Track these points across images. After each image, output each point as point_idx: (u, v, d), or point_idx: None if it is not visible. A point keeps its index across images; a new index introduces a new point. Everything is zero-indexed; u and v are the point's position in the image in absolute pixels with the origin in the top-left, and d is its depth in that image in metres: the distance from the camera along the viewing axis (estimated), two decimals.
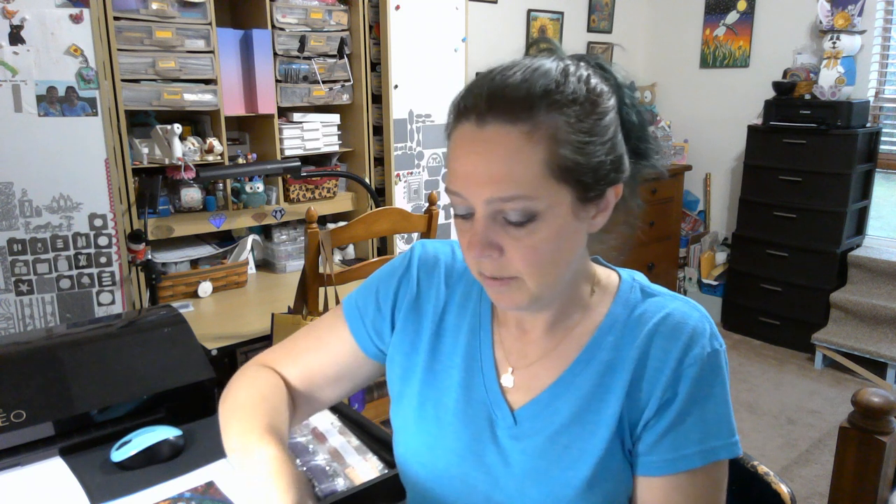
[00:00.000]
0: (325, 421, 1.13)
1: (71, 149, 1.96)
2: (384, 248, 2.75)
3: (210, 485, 0.94)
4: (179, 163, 2.15)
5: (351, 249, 2.83)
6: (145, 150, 2.18)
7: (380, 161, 2.76)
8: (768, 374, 3.38)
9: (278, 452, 0.71)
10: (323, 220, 2.72)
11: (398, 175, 2.76)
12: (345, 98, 2.63)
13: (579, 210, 0.67)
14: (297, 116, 2.53)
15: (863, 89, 3.52)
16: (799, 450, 2.70)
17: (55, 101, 1.92)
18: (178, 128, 2.15)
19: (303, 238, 2.63)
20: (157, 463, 1.00)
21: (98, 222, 2.03)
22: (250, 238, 2.56)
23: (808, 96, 3.50)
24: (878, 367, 3.23)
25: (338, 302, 1.24)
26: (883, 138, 3.54)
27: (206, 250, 2.43)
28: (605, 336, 0.74)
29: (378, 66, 2.65)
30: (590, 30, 4.05)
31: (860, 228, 3.64)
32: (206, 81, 2.23)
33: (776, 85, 3.62)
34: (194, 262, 2.38)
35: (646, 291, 0.76)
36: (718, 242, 4.28)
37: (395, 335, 0.84)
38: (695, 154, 4.25)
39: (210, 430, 1.03)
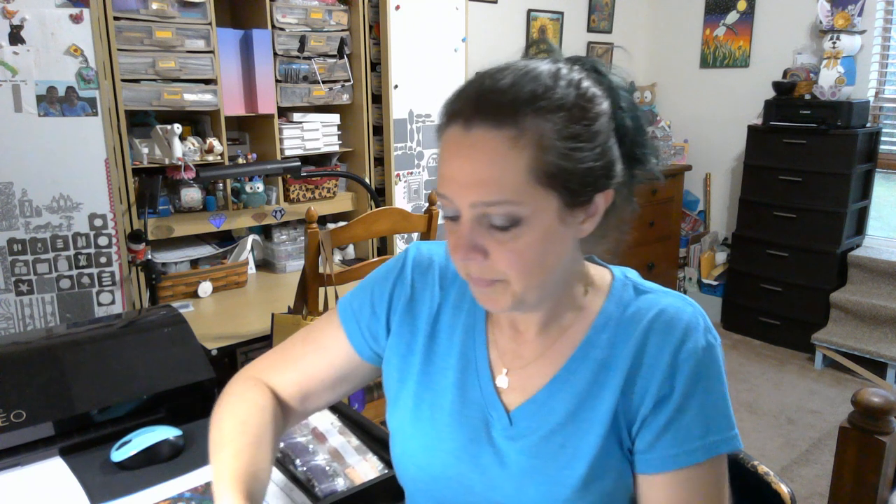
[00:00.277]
0: (325, 421, 1.13)
1: (71, 149, 1.96)
2: (384, 248, 2.75)
3: (210, 485, 0.94)
4: (179, 163, 2.15)
5: (351, 249, 2.83)
6: (145, 150, 2.18)
7: (380, 161, 2.76)
8: (768, 374, 3.38)
9: None
10: (323, 220, 2.72)
11: (398, 175, 2.76)
12: (345, 98, 2.63)
13: (566, 215, 0.67)
14: (297, 116, 2.53)
15: (863, 89, 3.52)
16: (799, 450, 2.70)
17: (55, 101, 1.91)
18: (178, 128, 2.15)
19: (303, 238, 2.63)
20: (156, 463, 1.00)
21: (98, 222, 2.03)
22: (250, 238, 2.56)
23: (808, 96, 3.50)
24: (878, 367, 3.23)
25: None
26: (883, 138, 3.55)
27: (206, 250, 2.43)
28: (598, 334, 0.74)
29: (378, 66, 2.65)
30: (590, 30, 4.05)
31: (860, 228, 3.64)
32: (206, 81, 2.23)
33: (776, 85, 3.62)
34: (194, 262, 2.38)
35: (638, 288, 0.76)
36: (718, 242, 4.28)
37: (390, 338, 0.84)
38: (695, 154, 4.25)
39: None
